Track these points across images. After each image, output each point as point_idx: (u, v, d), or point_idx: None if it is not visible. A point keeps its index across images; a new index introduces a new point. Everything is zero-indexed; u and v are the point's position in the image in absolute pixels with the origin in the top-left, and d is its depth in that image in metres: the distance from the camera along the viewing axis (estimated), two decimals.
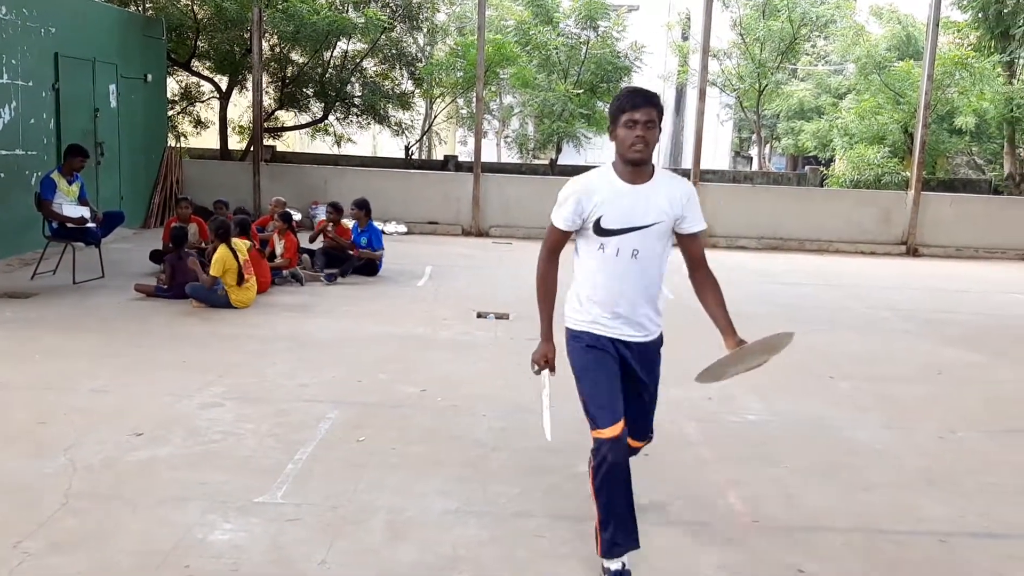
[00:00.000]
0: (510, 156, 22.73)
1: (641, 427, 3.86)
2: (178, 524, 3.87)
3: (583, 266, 3.61)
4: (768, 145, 33.15)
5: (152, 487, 4.26)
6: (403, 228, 14.98)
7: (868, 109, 19.19)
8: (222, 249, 8.27)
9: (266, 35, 16.35)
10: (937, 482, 4.74)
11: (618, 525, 3.45)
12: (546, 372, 3.72)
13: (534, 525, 4.03)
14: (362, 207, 10.51)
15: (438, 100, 20.55)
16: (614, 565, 3.47)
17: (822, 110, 24.03)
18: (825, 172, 20.24)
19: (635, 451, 3.86)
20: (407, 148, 20.49)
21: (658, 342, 3.82)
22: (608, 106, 3.53)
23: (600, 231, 3.49)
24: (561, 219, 3.54)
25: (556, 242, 3.61)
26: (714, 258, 13.23)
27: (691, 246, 3.66)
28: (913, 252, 15.02)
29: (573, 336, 3.68)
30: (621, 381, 3.61)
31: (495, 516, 4.11)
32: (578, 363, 3.65)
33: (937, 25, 15.01)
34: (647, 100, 3.39)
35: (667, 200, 3.49)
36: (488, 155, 24.46)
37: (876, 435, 5.46)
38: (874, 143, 18.82)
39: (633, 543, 3.50)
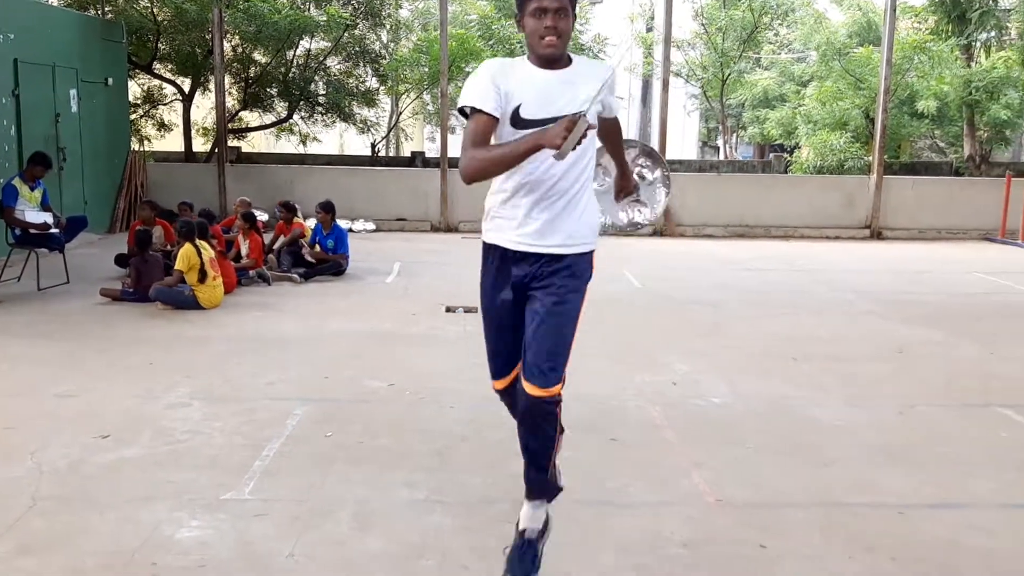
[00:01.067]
0: None
1: (537, 364, 3.18)
2: (145, 523, 3.88)
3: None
4: (734, 134, 33.40)
5: (119, 487, 4.27)
6: (371, 226, 14.97)
7: (829, 95, 19.39)
8: (188, 246, 8.27)
9: (227, 36, 16.24)
10: (896, 456, 4.84)
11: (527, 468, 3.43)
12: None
13: (501, 512, 4.07)
14: (327, 209, 10.49)
15: (403, 97, 20.51)
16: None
17: (786, 98, 24.24)
18: (789, 159, 20.43)
19: (539, 403, 3.18)
20: (373, 145, 20.44)
21: (576, 259, 3.30)
22: None
23: (519, 122, 3.09)
24: (478, 97, 3.06)
25: (482, 134, 3.07)
26: (681, 247, 13.43)
27: (612, 130, 3.52)
28: (877, 235, 15.23)
29: (483, 253, 3.43)
30: (528, 301, 3.28)
31: (462, 504, 4.15)
32: (482, 300, 3.50)
33: (895, 10, 15.22)
34: None
35: (589, 79, 3.08)
36: (457, 150, 24.50)
37: (837, 413, 5.56)
38: (836, 129, 19.02)
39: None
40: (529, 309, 3.26)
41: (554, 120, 2.90)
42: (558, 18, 3.02)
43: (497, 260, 3.35)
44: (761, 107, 25.80)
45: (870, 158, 16.53)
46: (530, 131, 3.00)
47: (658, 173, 3.80)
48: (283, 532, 3.82)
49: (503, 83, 3.07)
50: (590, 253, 3.35)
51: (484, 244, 3.42)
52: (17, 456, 4.63)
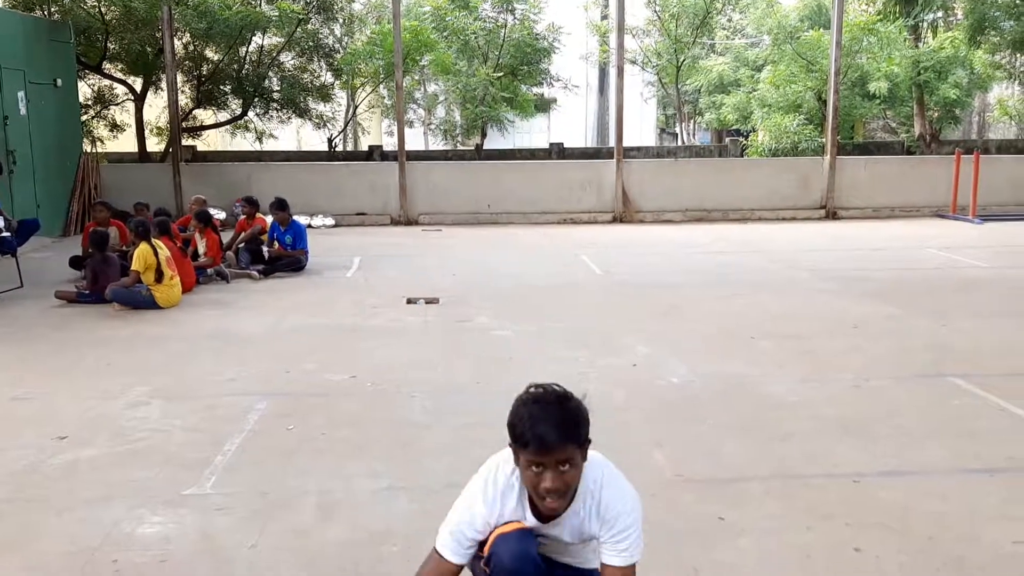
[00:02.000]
0: (436, 144, 22.69)
1: None
2: (105, 521, 3.85)
3: None
4: (692, 120, 33.65)
5: (77, 488, 4.22)
6: (330, 221, 14.88)
7: (782, 78, 19.62)
8: (143, 246, 8.19)
9: (178, 33, 16.04)
10: (851, 428, 4.93)
11: None
12: None
13: None
14: (281, 207, 10.39)
15: (359, 90, 20.40)
16: None
17: (741, 83, 24.47)
18: (745, 143, 20.65)
19: None
20: (330, 140, 20.31)
21: None
22: (510, 415, 2.56)
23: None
24: (451, 541, 2.68)
25: (434, 572, 2.71)
26: (640, 233, 13.52)
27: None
28: (832, 215, 15.44)
29: None
30: None
31: (426, 490, 4.17)
32: None
33: None
34: (562, 433, 2.46)
35: (587, 522, 2.65)
36: (415, 144, 24.42)
37: (794, 389, 5.65)
38: (790, 112, 19.26)
39: None
40: None
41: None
42: (560, 475, 2.48)
43: None
44: (717, 92, 26.02)
45: (823, 140, 16.75)
46: None
47: None
48: (245, 524, 3.81)
49: (483, 526, 2.66)
50: None
51: None
52: None
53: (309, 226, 13.53)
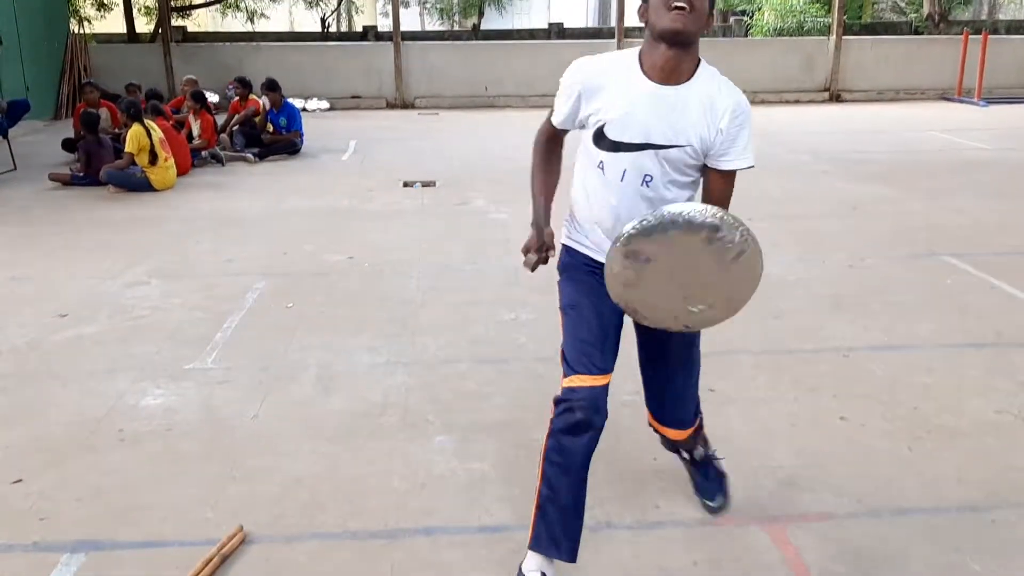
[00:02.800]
0: (433, 24, 22.14)
1: (666, 407, 2.89)
2: (109, 394, 3.94)
3: (581, 177, 2.60)
4: None
5: (81, 362, 4.30)
6: (325, 104, 14.66)
7: None
8: (136, 127, 8.10)
9: None
10: (843, 305, 4.99)
11: (556, 517, 2.50)
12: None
13: (461, 369, 4.18)
14: (272, 88, 10.22)
15: None
16: (531, 572, 2.55)
17: None
18: (749, 22, 20.14)
19: (671, 444, 2.97)
20: (323, 20, 19.83)
21: None
22: None
23: (602, 142, 2.45)
24: (557, 101, 2.54)
25: (549, 135, 2.64)
26: None
27: (716, 185, 2.51)
28: (836, 98, 15.21)
29: (567, 252, 2.71)
30: (638, 345, 2.79)
31: (423, 364, 4.25)
32: (566, 290, 2.68)
33: None
34: None
35: (706, 114, 2.40)
36: (411, 24, 23.82)
37: (790, 268, 5.68)
38: None
39: (566, 551, 2.51)
40: None
41: (643, 147, 2.40)
42: None
43: None
44: None
45: (829, 19, 16.33)
46: (615, 156, 2.44)
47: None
48: (247, 396, 3.90)
49: (590, 93, 2.45)
50: None
51: None
52: None
53: (303, 109, 13.35)
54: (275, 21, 22.60)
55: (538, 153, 2.68)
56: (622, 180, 2.46)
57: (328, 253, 6.18)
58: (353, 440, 3.51)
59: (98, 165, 8.32)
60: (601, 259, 2.50)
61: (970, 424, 3.58)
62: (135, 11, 17.45)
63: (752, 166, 2.51)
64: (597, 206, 2.54)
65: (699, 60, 2.42)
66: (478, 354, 4.37)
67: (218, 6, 19.06)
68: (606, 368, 2.56)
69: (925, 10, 19.56)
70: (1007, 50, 15.53)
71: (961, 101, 14.74)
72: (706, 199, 2.49)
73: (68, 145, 9.76)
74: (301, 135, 10.28)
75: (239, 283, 5.48)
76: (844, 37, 15.35)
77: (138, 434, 3.58)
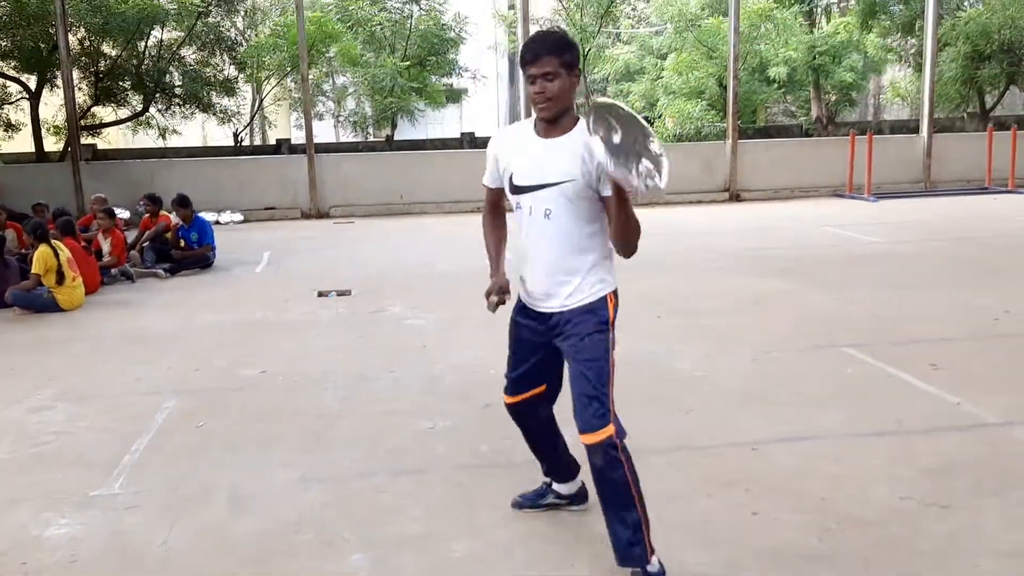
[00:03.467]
0: (347, 136, 22.50)
1: (579, 413, 3.28)
2: (11, 525, 3.79)
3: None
4: None
5: None
6: (239, 216, 14.64)
7: (685, 65, 20.04)
8: (43, 248, 7.97)
9: (73, 28, 15.57)
10: (751, 399, 5.14)
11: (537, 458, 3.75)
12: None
13: (377, 483, 4.15)
14: (183, 204, 10.22)
15: (264, 84, 20.09)
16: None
17: (646, 71, 24.87)
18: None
19: (593, 449, 3.24)
20: (236, 135, 19.96)
21: (581, 309, 3.26)
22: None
23: (513, 188, 3.19)
24: (486, 175, 3.36)
25: (489, 201, 3.47)
26: None
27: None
28: (735, 197, 15.88)
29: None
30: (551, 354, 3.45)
31: (338, 480, 4.20)
32: (511, 321, 3.52)
33: None
34: (545, 49, 3.00)
35: (584, 154, 2.98)
36: (326, 136, 24.15)
37: (697, 363, 5.85)
38: (693, 98, 19.70)
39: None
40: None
41: (541, 187, 3.09)
42: (547, 82, 3.00)
43: None
44: (624, 81, 26.38)
45: (725, 125, 17.19)
46: (520, 196, 3.17)
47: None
48: (156, 522, 3.79)
49: (500, 154, 3.24)
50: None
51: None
52: None
53: (217, 222, 13.31)
54: (187, 137, 22.66)
55: (486, 217, 3.56)
56: (530, 215, 3.15)
57: (241, 367, 6.11)
58: (266, 563, 3.43)
59: (3, 287, 8.13)
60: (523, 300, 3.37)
61: (876, 512, 3.70)
62: (43, 130, 17.31)
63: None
64: (518, 246, 3.25)
65: (577, 117, 3.12)
66: (395, 466, 4.34)
67: (129, 123, 19.03)
68: (524, 389, 3.58)
69: (814, 113, 20.75)
70: (892, 148, 16.54)
71: (852, 197, 15.55)
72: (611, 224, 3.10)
73: None
74: (213, 249, 10.24)
75: (148, 403, 5.37)
76: (740, 141, 16.14)
77: (41, 567, 3.44)
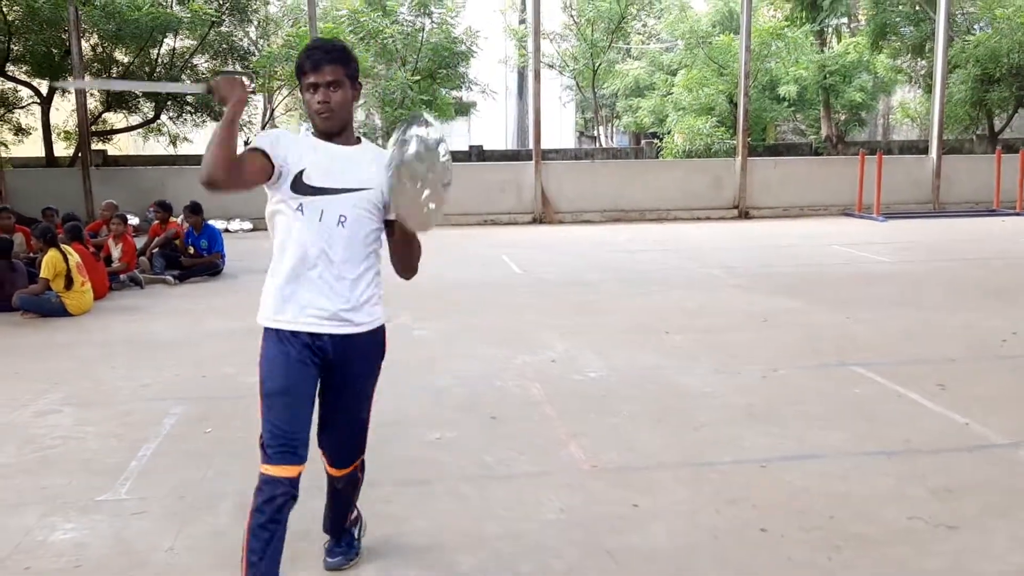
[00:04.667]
0: None
1: (348, 448, 3.24)
2: (15, 529, 3.78)
3: (278, 242, 2.94)
4: (610, 124, 34.14)
5: None
6: (248, 225, 14.68)
7: (695, 82, 20.10)
8: (52, 252, 7.99)
9: (86, 34, 15.66)
10: (759, 416, 5.12)
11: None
12: None
13: (384, 493, 4.14)
14: (195, 211, 10.27)
15: (276, 93, 20.18)
16: None
17: (656, 86, 24.97)
18: (660, 145, 21.09)
19: (339, 481, 3.30)
20: (246, 143, 19.99)
21: (372, 336, 3.06)
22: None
23: (300, 188, 2.84)
24: (262, 138, 2.87)
25: (242, 155, 2.78)
26: (560, 233, 13.67)
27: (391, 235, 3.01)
28: (744, 214, 15.88)
29: (265, 335, 3.02)
30: (322, 393, 3.07)
31: None
32: (265, 372, 2.99)
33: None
34: (328, 56, 2.83)
35: (377, 168, 2.88)
36: None
37: (705, 380, 5.84)
38: (703, 114, 19.74)
39: None
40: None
41: (338, 191, 2.85)
42: (332, 91, 2.83)
43: None
44: (633, 96, 26.48)
45: (735, 141, 17.21)
46: (312, 198, 2.86)
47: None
48: (162, 528, 3.79)
49: (291, 146, 2.87)
50: None
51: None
52: None
53: (226, 230, 13.34)
54: (198, 144, 22.72)
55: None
56: (320, 220, 2.89)
57: (248, 375, 6.07)
58: None
59: (11, 291, 8.15)
60: (293, 327, 2.95)
61: (884, 532, 3.68)
62: (54, 136, 17.40)
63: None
64: (297, 253, 2.93)
65: (359, 137, 3.03)
66: (401, 476, 4.33)
67: (140, 130, 19.12)
68: (304, 456, 3.03)
69: (823, 132, 20.77)
70: (901, 168, 16.54)
71: (861, 217, 15.55)
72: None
73: None
74: (223, 256, 10.27)
75: (155, 409, 5.37)
76: (749, 158, 16.16)
77: (45, 572, 3.43)
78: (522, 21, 28.76)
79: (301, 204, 2.85)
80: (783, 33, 19.02)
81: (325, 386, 3.06)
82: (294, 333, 2.94)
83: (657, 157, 20.37)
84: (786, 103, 20.75)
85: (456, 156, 19.99)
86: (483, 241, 12.89)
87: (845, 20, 21.93)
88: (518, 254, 11.55)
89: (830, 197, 16.25)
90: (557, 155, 20.21)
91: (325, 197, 2.86)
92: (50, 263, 7.94)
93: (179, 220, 10.53)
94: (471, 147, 20.78)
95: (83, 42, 15.33)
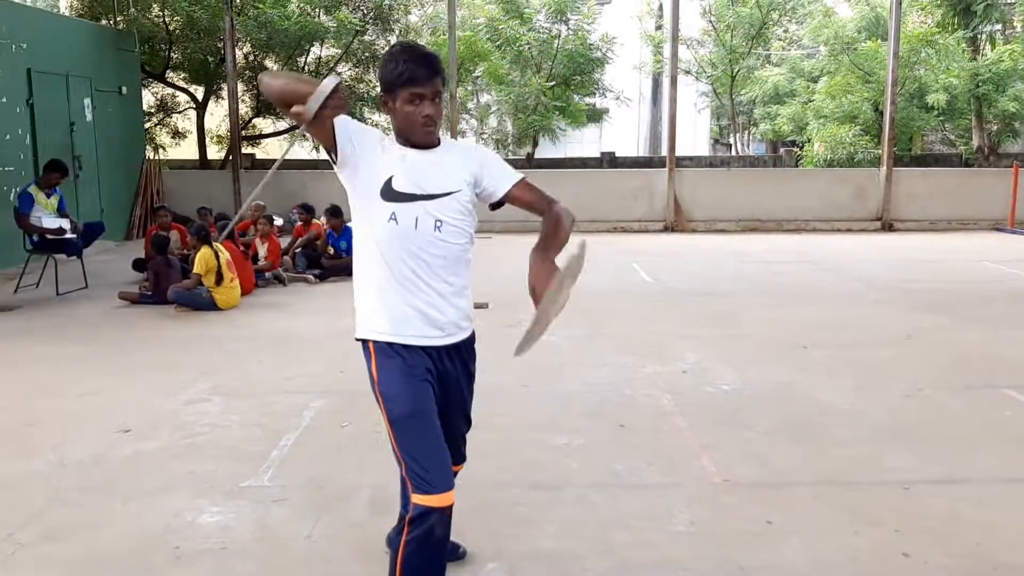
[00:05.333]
0: None
1: (457, 451, 3.19)
2: (167, 510, 4.00)
3: (368, 256, 2.88)
4: (747, 131, 33.40)
5: (140, 478, 4.39)
6: None
7: (839, 89, 19.43)
8: (204, 249, 8.42)
9: (239, 43, 16.44)
10: (902, 436, 4.91)
11: None
12: None
13: (512, 495, 4.18)
14: (335, 214, 10.61)
15: None
16: None
17: (797, 93, 24.27)
18: (800, 153, 20.48)
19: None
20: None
21: (471, 340, 3.10)
22: (382, 69, 2.85)
23: (391, 195, 2.79)
24: (350, 124, 2.80)
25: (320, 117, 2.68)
26: (692, 242, 13.45)
27: (520, 200, 2.98)
28: (888, 227, 15.24)
29: (379, 351, 2.91)
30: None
31: (475, 488, 4.21)
32: (394, 400, 2.88)
33: (900, 3, 15.21)
34: (434, 69, 2.79)
35: (463, 165, 2.89)
36: None
37: (845, 397, 5.63)
38: (846, 122, 19.06)
39: None
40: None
41: (426, 197, 2.80)
42: (435, 105, 2.81)
43: None
44: (772, 103, 25.81)
45: (880, 151, 16.54)
46: (404, 205, 2.81)
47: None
48: (301, 516, 3.94)
49: (376, 148, 2.84)
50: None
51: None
52: (39, 451, 4.76)
53: None
54: None
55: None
56: (416, 227, 2.83)
57: None
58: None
59: (166, 285, 8.64)
60: (406, 341, 2.88)
61: None
62: (208, 139, 18.35)
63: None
64: (395, 268, 2.87)
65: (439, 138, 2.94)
66: (529, 479, 4.36)
67: (286, 136, 19.93)
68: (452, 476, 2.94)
69: (975, 143, 19.72)
70: None
71: (1014, 232, 14.67)
72: (529, 210, 3.01)
73: (138, 265, 10.17)
74: None
75: (297, 401, 5.58)
76: (895, 168, 15.49)
77: (194, 552, 3.62)
78: (659, 27, 28.51)
79: (394, 212, 2.79)
80: (934, 39, 18.17)
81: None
82: (407, 347, 2.86)
83: (796, 165, 19.79)
84: (935, 112, 19.82)
85: (587, 163, 20.05)
86: (613, 248, 12.82)
87: (999, 26, 20.74)
88: (649, 262, 11.44)
89: (980, 210, 15.40)
90: (691, 162, 19.93)
91: (417, 203, 2.80)
92: (202, 260, 8.38)
93: (321, 222, 10.91)
94: (603, 154, 20.72)
95: (237, 50, 16.10)
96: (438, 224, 2.82)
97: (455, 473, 3.09)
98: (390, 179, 2.80)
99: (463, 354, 3.04)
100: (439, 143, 2.90)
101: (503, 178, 2.94)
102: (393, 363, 2.87)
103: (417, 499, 2.74)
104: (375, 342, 2.91)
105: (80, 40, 13.17)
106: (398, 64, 2.77)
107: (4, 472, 4.49)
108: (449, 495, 2.78)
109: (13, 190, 10.67)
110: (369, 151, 2.82)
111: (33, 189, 9.31)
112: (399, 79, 2.76)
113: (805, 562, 3.50)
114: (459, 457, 3.26)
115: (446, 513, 2.78)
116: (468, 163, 2.90)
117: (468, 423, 3.30)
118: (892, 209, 15.30)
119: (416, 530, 2.74)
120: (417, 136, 2.83)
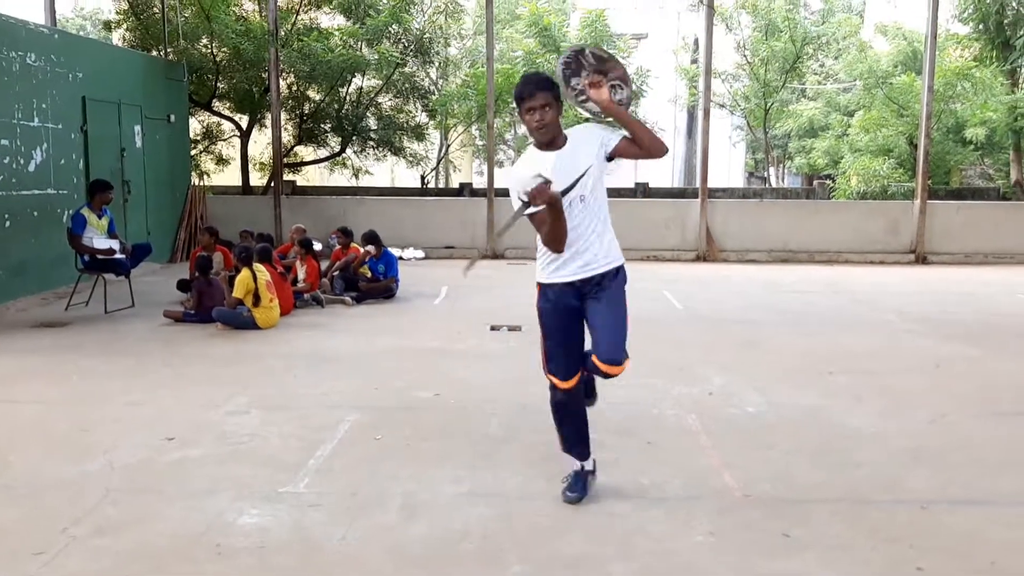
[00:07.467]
0: None
1: (611, 347, 4.15)
2: (209, 511, 4.21)
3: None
4: (781, 165, 33.42)
5: (185, 481, 4.61)
6: (420, 253, 15.37)
7: (873, 123, 19.46)
8: (244, 272, 8.69)
9: (283, 74, 16.88)
10: (924, 459, 4.99)
11: (572, 445, 4.36)
12: None
13: (537, 506, 4.33)
14: (372, 240, 10.88)
15: (451, 130, 21.01)
16: (575, 465, 4.37)
17: (831, 127, 24.32)
18: (833, 185, 20.48)
19: (609, 377, 4.26)
20: (423, 177, 20.96)
21: (614, 272, 4.28)
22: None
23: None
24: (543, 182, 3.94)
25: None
26: (723, 272, 13.49)
27: (630, 147, 4.06)
28: (922, 260, 15.22)
29: (541, 291, 4.27)
30: (588, 311, 4.17)
31: (502, 497, 4.41)
32: (544, 321, 4.26)
33: (935, 37, 15.28)
34: (538, 86, 3.95)
35: (585, 144, 4.04)
36: (504, 182, 24.93)
37: (869, 421, 5.72)
38: (880, 155, 19.07)
39: (583, 456, 4.36)
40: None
41: (573, 186, 3.94)
42: (544, 112, 3.96)
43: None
44: (807, 137, 25.88)
45: (914, 184, 16.55)
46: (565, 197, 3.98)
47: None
48: (336, 519, 4.12)
49: (517, 186, 3.93)
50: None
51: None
52: (91, 455, 5.01)
53: (400, 258, 14.01)
54: (378, 177, 23.96)
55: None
56: (569, 207, 4.02)
57: (416, 390, 6.47)
58: (433, 566, 3.67)
59: (209, 304, 8.93)
60: (559, 281, 4.26)
61: None
62: (251, 166, 18.82)
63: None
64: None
65: (565, 136, 4.10)
66: (556, 492, 4.50)
67: (327, 163, 20.37)
68: (576, 371, 4.31)
69: (1013, 177, 19.63)
70: None
71: None
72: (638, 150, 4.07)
73: (182, 285, 10.49)
74: (397, 281, 10.83)
75: (332, 415, 5.79)
76: (930, 201, 15.49)
77: (234, 549, 3.81)
78: (694, 61, 28.75)
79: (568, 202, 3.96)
80: (970, 73, 18.18)
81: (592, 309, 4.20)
82: (568, 283, 4.17)
83: (829, 198, 19.81)
84: (972, 146, 19.79)
85: (620, 192, 20.21)
86: (645, 276, 12.94)
87: None
88: (680, 290, 11.56)
89: (1018, 245, 15.32)
90: (724, 193, 20.01)
91: (571, 192, 3.93)
92: (241, 283, 8.65)
93: (359, 245, 11.18)
94: (636, 184, 20.87)
95: (281, 81, 16.56)
96: (582, 198, 4.05)
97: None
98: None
99: (614, 276, 4.37)
100: (566, 140, 4.07)
101: (616, 134, 4.08)
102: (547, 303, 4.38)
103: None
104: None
105: (132, 70, 13.66)
106: (518, 87, 4.02)
107: (59, 473, 4.74)
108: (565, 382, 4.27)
109: (66, 212, 11.07)
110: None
111: (86, 211, 9.68)
112: (518, 97, 4.00)
113: (820, 573, 3.61)
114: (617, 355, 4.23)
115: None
116: (591, 139, 4.07)
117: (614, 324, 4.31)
118: (926, 242, 15.29)
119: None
120: (534, 135, 4.04)
